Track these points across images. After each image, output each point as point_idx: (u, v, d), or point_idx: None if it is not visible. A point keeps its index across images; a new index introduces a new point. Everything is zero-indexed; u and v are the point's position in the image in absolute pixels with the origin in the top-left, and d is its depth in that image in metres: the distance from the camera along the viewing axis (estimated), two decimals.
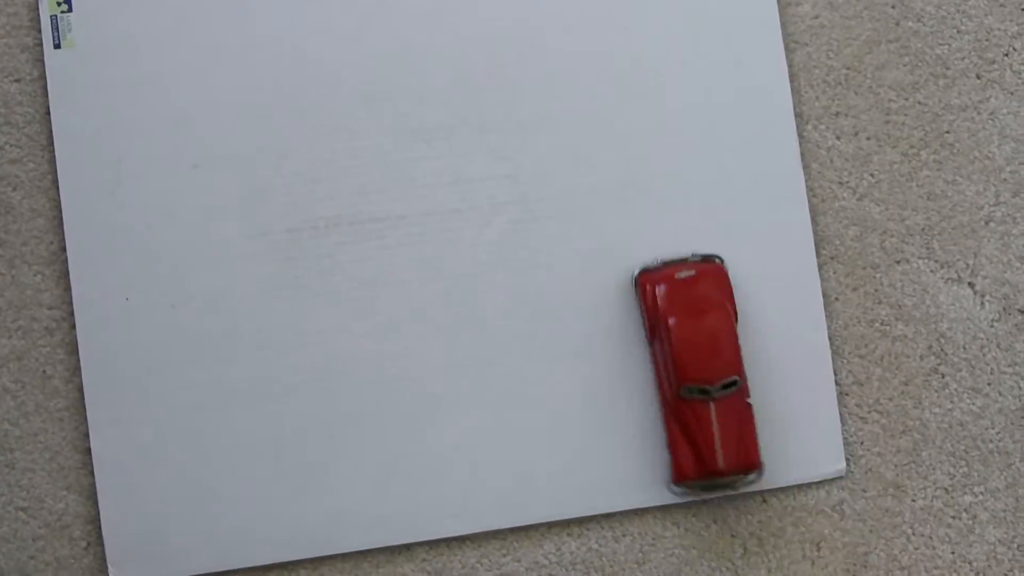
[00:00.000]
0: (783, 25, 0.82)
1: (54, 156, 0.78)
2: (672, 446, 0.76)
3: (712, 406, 0.74)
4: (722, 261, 0.78)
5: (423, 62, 0.80)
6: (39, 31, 0.79)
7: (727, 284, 0.77)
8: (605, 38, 0.81)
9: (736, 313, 0.76)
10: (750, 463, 0.75)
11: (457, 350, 0.78)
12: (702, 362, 0.74)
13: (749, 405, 0.76)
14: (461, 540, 0.78)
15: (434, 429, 0.78)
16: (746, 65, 0.81)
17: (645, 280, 0.77)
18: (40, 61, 0.79)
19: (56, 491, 0.78)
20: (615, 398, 0.79)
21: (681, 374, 0.74)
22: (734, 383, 0.74)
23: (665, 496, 0.78)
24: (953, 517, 0.80)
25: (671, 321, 0.75)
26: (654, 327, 0.76)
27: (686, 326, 0.75)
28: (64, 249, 0.78)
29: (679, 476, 0.76)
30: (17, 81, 0.79)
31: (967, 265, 0.82)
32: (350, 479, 0.78)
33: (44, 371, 0.78)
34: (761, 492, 0.79)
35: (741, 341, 0.76)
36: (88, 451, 0.77)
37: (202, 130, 0.79)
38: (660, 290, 0.76)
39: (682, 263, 0.78)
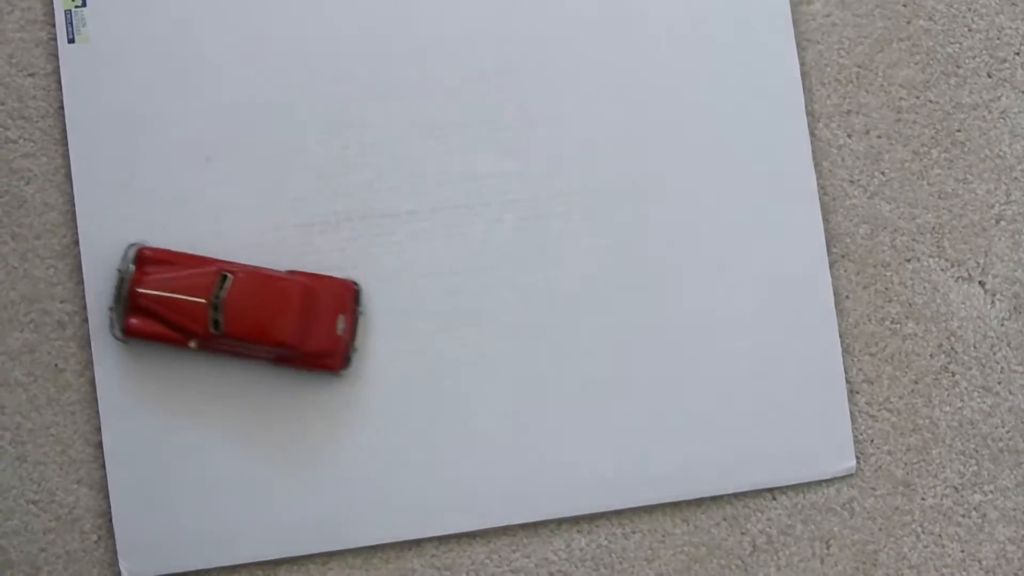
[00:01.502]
0: (795, 23, 0.82)
1: (67, 150, 0.79)
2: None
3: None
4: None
5: (434, 58, 0.80)
6: (53, 26, 0.79)
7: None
8: (616, 36, 0.81)
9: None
10: None
11: (465, 346, 0.79)
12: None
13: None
14: (471, 536, 0.78)
15: (443, 425, 0.78)
16: (758, 63, 0.81)
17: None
18: (54, 55, 0.79)
19: (67, 484, 0.78)
20: (622, 394, 0.79)
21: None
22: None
23: (675, 492, 0.78)
24: (963, 516, 0.80)
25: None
26: None
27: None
28: (77, 243, 0.78)
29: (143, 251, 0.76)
30: (31, 75, 0.80)
31: (978, 264, 0.82)
32: (358, 474, 0.78)
33: (56, 364, 0.78)
34: (771, 489, 0.79)
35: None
36: (99, 445, 0.77)
37: (215, 125, 0.79)
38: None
39: None
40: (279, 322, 0.75)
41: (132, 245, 0.77)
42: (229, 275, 0.75)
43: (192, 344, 0.75)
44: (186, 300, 0.75)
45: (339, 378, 0.78)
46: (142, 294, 0.75)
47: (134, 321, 0.75)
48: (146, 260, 0.76)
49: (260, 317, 0.75)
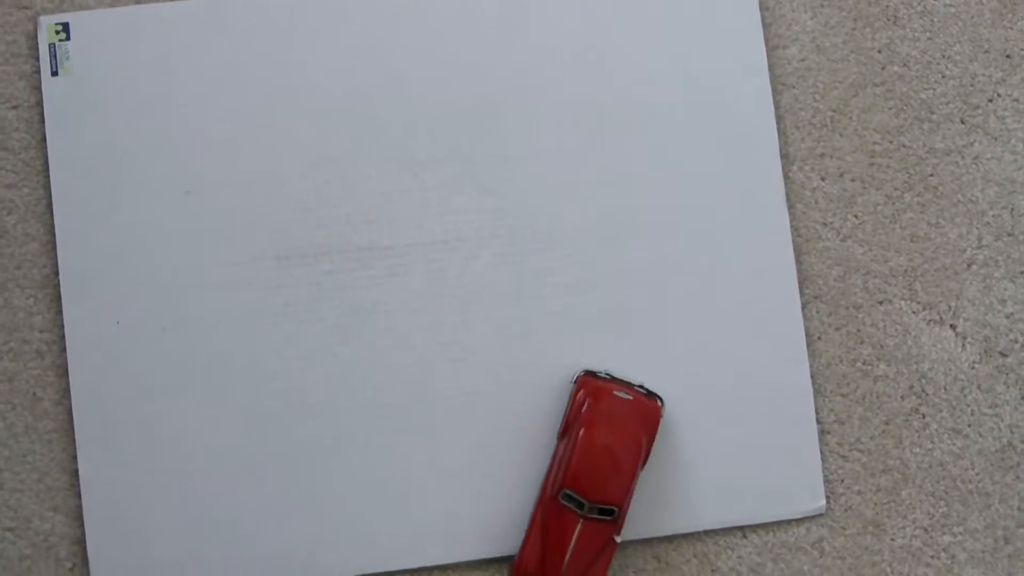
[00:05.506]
0: (770, 67, 0.83)
1: (49, 181, 0.79)
2: (527, 538, 0.76)
3: (580, 523, 0.75)
4: (662, 404, 0.78)
5: (413, 96, 0.81)
6: (37, 59, 0.80)
7: (653, 427, 0.77)
8: (594, 77, 0.82)
9: (646, 457, 0.76)
10: None
11: (440, 379, 0.79)
12: (592, 478, 0.74)
13: (614, 544, 0.76)
14: (444, 569, 0.79)
15: (418, 456, 0.79)
16: (733, 106, 0.82)
17: (584, 383, 0.77)
18: (37, 88, 0.80)
19: (43, 512, 0.78)
20: None
21: (566, 478, 0.75)
22: (611, 512, 0.75)
23: (647, 529, 0.79)
24: (932, 556, 0.81)
25: (582, 431, 0.75)
26: (569, 427, 0.77)
27: (595, 440, 0.75)
28: (56, 273, 0.79)
29: (519, 568, 0.76)
30: (14, 108, 0.81)
31: (949, 307, 0.82)
32: (334, 504, 0.78)
33: (34, 393, 0.79)
34: (741, 528, 0.80)
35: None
36: (75, 473, 0.78)
37: (195, 158, 0.80)
38: (591, 399, 0.76)
39: (625, 385, 0.78)
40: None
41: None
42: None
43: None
44: None
45: None
46: None
47: None
48: None
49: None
